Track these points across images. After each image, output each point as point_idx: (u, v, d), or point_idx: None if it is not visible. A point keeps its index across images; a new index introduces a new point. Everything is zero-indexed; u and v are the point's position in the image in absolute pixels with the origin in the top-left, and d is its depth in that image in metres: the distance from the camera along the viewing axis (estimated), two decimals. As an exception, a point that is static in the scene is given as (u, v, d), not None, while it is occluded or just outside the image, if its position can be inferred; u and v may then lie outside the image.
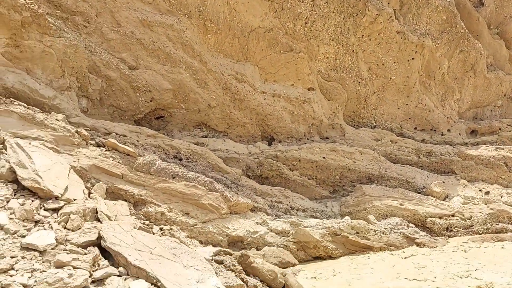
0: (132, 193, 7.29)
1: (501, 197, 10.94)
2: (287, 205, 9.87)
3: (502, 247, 8.27)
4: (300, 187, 10.62)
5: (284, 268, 7.40)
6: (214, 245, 7.64)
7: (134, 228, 5.65)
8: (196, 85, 9.83)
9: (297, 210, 9.87)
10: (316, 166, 10.78)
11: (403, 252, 8.36)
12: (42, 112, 7.33)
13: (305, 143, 11.08)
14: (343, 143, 11.31)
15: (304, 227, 8.62)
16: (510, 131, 12.71)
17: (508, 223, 9.93)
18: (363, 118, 12.22)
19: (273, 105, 10.74)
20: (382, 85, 11.89)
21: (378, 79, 11.76)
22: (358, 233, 8.81)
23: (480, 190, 11.14)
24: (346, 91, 11.64)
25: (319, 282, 6.62)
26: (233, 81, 10.18)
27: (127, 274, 4.57)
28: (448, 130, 12.59)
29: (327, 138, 11.58)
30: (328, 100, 11.59)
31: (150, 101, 9.56)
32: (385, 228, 9.15)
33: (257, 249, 8.07)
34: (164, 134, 9.63)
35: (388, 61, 11.50)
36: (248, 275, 6.54)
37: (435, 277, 6.32)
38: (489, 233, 9.56)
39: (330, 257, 8.37)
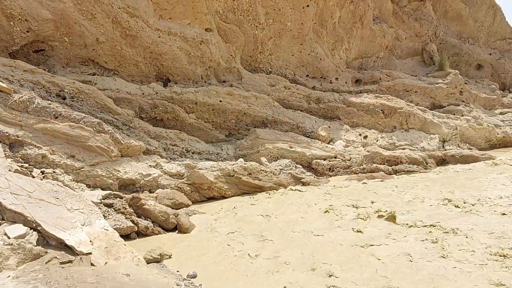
0: (7, 134, 6.59)
1: (377, 140, 12.14)
2: (183, 148, 9.81)
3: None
4: (196, 130, 10.58)
5: (177, 209, 7.48)
6: (103, 189, 7.36)
7: (9, 171, 5.16)
8: (82, 16, 8.93)
9: (192, 153, 9.88)
10: (213, 110, 10.77)
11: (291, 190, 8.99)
12: None
13: (202, 86, 10.94)
14: (239, 87, 11.39)
15: (199, 169, 8.71)
16: (388, 81, 13.94)
17: (380, 164, 11.08)
18: (259, 63, 12.36)
19: (168, 44, 10.29)
20: (278, 31, 12.05)
21: (275, 25, 11.86)
22: (250, 174, 9.17)
23: (360, 135, 12.21)
24: (244, 35, 11.58)
25: (211, 219, 6.84)
26: (124, 15, 9.44)
27: (2, 219, 4.22)
28: (336, 79, 13.37)
29: (224, 81, 11.55)
30: (226, 42, 11.44)
31: (27, 31, 8.48)
32: (275, 169, 9.66)
33: (150, 192, 7.99)
34: (45, 69, 8.72)
35: (284, 7, 11.60)
36: (139, 217, 6.49)
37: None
38: (364, 173, 10.61)
39: (223, 197, 8.65)
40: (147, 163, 8.43)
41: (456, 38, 16.28)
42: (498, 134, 14.18)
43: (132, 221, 6.21)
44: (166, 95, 10.15)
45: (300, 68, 12.83)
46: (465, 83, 15.15)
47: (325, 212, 6.94)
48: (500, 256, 4.47)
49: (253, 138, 10.50)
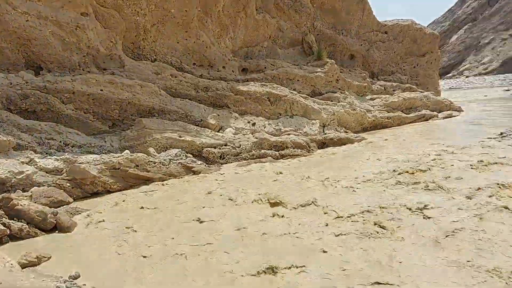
0: None
1: (264, 127, 12.55)
2: (61, 141, 9.05)
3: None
4: (76, 122, 9.82)
5: (57, 207, 6.89)
6: (-35, 191, 6.47)
7: None
8: None
9: (72, 146, 9.17)
10: (93, 99, 10.08)
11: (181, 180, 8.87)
12: None
13: (80, 74, 10.15)
14: (122, 75, 10.83)
15: (80, 163, 8.12)
16: (273, 70, 14.46)
17: (268, 149, 11.48)
18: (143, 50, 11.88)
19: (39, 29, 9.34)
20: (162, 17, 11.68)
21: (157, 11, 11.47)
22: (138, 166, 8.82)
23: (248, 122, 12.51)
24: (124, 20, 11.00)
25: (95, 216, 6.44)
26: (-19, -5, 8.32)
27: None
28: (224, 67, 13.46)
29: (105, 69, 10.87)
30: (105, 28, 10.75)
31: None
32: (165, 160, 9.43)
33: (24, 191, 7.23)
34: None
35: (167, -7, 11.29)
36: (12, 218, 5.84)
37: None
38: (254, 159, 10.90)
39: (109, 192, 8.18)
40: (18, 160, 7.60)
41: (332, 29, 17.52)
42: (369, 118, 15.67)
43: (3, 224, 5.57)
44: (38, 85, 9.22)
45: (186, 56, 12.64)
46: (340, 72, 16.42)
47: (214, 199, 6.99)
48: (364, 229, 4.96)
49: (140, 129, 10.10)
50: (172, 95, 11.54)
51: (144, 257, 4.65)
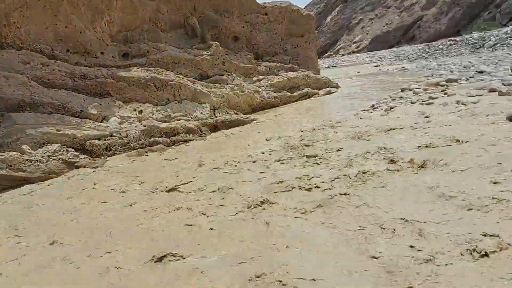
0: None
1: (152, 114, 12.18)
2: None
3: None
4: None
5: None
6: None
7: None
8: None
9: None
10: None
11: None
12: None
13: None
14: (-18, 67, 9.56)
15: None
16: (156, 54, 13.98)
17: (159, 137, 11.21)
18: (5, 38, 10.58)
19: None
20: (25, 1, 10.49)
21: (19, -7, 10.29)
22: (11, 166, 7.97)
23: (135, 110, 12.00)
24: (-22, 4, 9.67)
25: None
26: None
27: None
28: (102, 53, 12.64)
29: (-42, 61, 9.48)
30: (-46, 13, 9.35)
31: None
32: (42, 157, 8.65)
33: None
34: None
35: (28, -28, 10.15)
36: None
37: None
38: (144, 147, 10.55)
39: (-23, 198, 7.27)
40: None
41: (214, 12, 17.47)
42: (257, 98, 16.14)
43: None
44: None
45: (58, 42, 11.57)
46: (226, 54, 16.54)
47: (101, 193, 6.64)
48: (257, 206, 5.14)
49: (9, 125, 9.07)
50: (45, 86, 10.52)
51: (19, 264, 4.24)
